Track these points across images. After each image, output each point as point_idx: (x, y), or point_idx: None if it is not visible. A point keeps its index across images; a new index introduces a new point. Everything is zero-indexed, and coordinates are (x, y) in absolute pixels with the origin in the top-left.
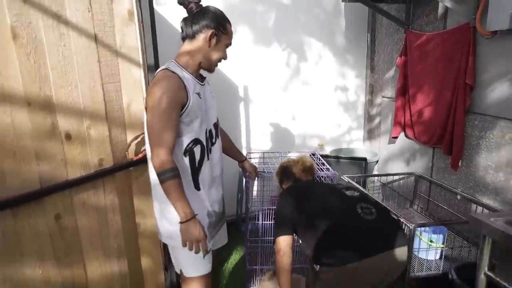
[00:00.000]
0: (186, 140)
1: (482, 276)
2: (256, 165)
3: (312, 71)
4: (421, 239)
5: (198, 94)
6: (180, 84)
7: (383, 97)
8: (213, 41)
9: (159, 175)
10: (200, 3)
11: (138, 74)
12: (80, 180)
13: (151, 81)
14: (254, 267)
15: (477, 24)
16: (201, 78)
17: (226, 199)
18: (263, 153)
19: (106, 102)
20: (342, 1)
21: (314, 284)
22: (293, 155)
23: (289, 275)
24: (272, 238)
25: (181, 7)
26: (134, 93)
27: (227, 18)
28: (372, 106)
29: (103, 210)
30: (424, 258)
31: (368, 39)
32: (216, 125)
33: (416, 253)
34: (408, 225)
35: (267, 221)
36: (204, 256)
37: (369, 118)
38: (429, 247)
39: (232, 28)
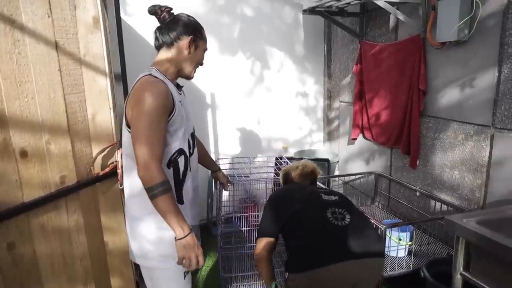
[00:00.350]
0: (170, 151)
1: (458, 276)
2: (226, 171)
3: (274, 78)
4: (390, 238)
5: (180, 102)
6: (168, 90)
7: (341, 101)
8: (193, 47)
9: (149, 189)
10: (172, 11)
11: (104, 83)
12: (39, 202)
13: (134, 87)
14: (229, 275)
15: (428, 35)
16: (178, 87)
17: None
18: (232, 158)
19: (68, 114)
20: (303, 13)
21: None
22: (260, 160)
23: (267, 267)
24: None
25: (150, 17)
26: (99, 103)
27: (200, 25)
28: (331, 110)
29: (66, 232)
30: (395, 256)
31: (325, 48)
32: (193, 135)
33: (387, 252)
34: (379, 226)
35: (245, 227)
36: (185, 276)
37: (328, 121)
38: (398, 245)
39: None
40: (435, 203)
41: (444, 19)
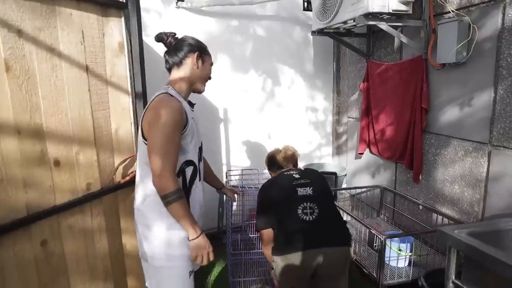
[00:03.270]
0: (180, 161)
1: (451, 285)
2: (236, 181)
3: (285, 94)
4: (391, 248)
5: (192, 118)
6: (182, 108)
7: (349, 117)
8: (200, 62)
9: (164, 197)
10: (176, 36)
11: (127, 101)
12: (68, 205)
13: (151, 104)
14: (238, 279)
15: (429, 57)
16: (191, 104)
17: (207, 212)
18: (242, 170)
19: (95, 128)
20: (312, 34)
21: (273, 271)
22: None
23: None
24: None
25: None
26: (122, 119)
27: (204, 43)
28: (339, 125)
29: (90, 233)
30: (395, 266)
31: (334, 66)
32: (201, 149)
33: (387, 261)
34: (379, 236)
35: (251, 234)
36: (190, 275)
37: (336, 136)
38: (398, 256)
39: (213, 57)
40: (436, 216)
41: (443, 42)
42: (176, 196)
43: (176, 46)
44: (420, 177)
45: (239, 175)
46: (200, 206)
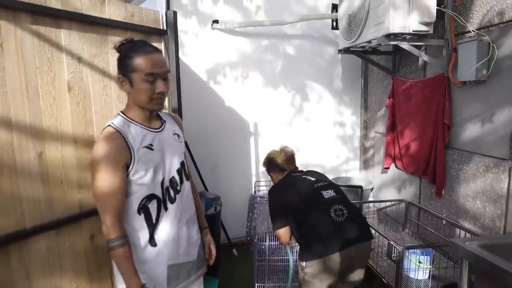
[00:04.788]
0: (138, 198)
1: None
2: (264, 191)
3: (313, 110)
4: (410, 260)
5: (149, 145)
6: (121, 145)
7: (376, 132)
8: (126, 85)
9: (107, 242)
10: (118, 47)
11: None
12: None
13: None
14: (262, 285)
15: (450, 75)
16: (159, 122)
17: (236, 222)
18: (270, 181)
19: None
20: (338, 53)
21: (304, 276)
22: None
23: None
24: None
25: (203, 56)
26: None
27: (137, 50)
28: (367, 140)
29: None
30: (414, 277)
31: (362, 83)
32: (179, 170)
33: (406, 273)
34: (397, 247)
35: (273, 242)
36: None
37: (364, 150)
38: (417, 268)
39: (243, 73)
40: (459, 231)
41: (464, 60)
42: (117, 244)
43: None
44: (443, 191)
45: (268, 186)
46: (178, 233)
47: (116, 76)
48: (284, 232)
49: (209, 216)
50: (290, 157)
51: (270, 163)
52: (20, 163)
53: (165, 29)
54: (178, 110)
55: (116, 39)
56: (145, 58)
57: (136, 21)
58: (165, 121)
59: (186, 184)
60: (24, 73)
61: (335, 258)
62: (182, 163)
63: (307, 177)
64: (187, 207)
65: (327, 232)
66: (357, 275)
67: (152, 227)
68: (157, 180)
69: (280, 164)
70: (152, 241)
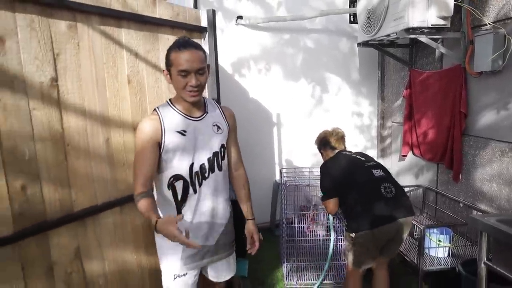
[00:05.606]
0: (167, 175)
1: (482, 265)
2: (289, 178)
3: (332, 101)
4: (430, 239)
5: (182, 131)
6: (155, 125)
7: (393, 121)
8: (168, 77)
9: (134, 197)
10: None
11: None
12: None
13: None
14: (292, 263)
15: (467, 66)
16: (201, 112)
17: (260, 208)
18: (295, 168)
19: None
20: (357, 46)
21: (352, 246)
22: (318, 171)
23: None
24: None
25: (237, 61)
26: None
27: (174, 47)
28: (384, 129)
29: None
30: (434, 255)
31: (379, 75)
32: (210, 160)
33: (426, 250)
34: (419, 226)
35: (302, 223)
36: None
37: (381, 139)
38: (437, 246)
39: (266, 66)
40: (476, 213)
41: (480, 52)
42: (138, 197)
43: None
44: (460, 176)
45: (292, 172)
46: (199, 214)
47: (164, 69)
48: (333, 202)
49: (236, 202)
50: (340, 138)
51: (322, 142)
52: (92, 147)
53: (205, 27)
54: (217, 101)
55: (164, 36)
56: (179, 55)
57: (181, 20)
58: (207, 112)
59: (218, 174)
60: (95, 68)
61: (383, 229)
62: (215, 153)
63: (357, 156)
64: (215, 194)
65: (377, 206)
66: (395, 248)
67: (178, 205)
68: (185, 163)
69: (331, 143)
70: (179, 212)
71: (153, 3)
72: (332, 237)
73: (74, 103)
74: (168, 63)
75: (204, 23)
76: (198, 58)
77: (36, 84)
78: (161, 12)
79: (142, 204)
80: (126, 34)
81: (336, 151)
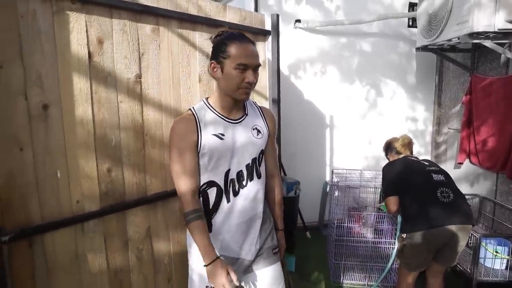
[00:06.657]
0: (201, 181)
1: None
2: (340, 178)
3: (386, 105)
4: (486, 249)
5: (220, 134)
6: (190, 127)
7: (449, 128)
8: (217, 71)
9: (184, 216)
10: (213, 38)
11: (266, 105)
12: None
13: None
14: (339, 262)
15: None
16: (240, 114)
17: (310, 207)
18: (346, 170)
19: None
20: (416, 51)
21: (403, 247)
22: (369, 174)
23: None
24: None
25: (295, 63)
26: None
27: (232, 38)
28: (439, 135)
29: None
30: (490, 266)
31: (436, 80)
32: (249, 166)
33: (482, 261)
34: (475, 234)
35: (350, 224)
36: None
37: (435, 145)
38: (494, 257)
39: (322, 69)
40: None
41: None
42: (191, 217)
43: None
44: None
45: (343, 173)
46: (228, 230)
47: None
48: (393, 201)
49: (290, 199)
50: (407, 144)
51: (388, 147)
52: (166, 138)
53: (269, 30)
54: (277, 101)
55: None
56: (240, 47)
57: (247, 23)
58: (247, 114)
59: (256, 182)
60: (172, 67)
61: (435, 232)
62: (254, 159)
63: (420, 161)
64: (252, 205)
65: (431, 209)
66: (451, 256)
67: (209, 214)
68: (221, 170)
69: (397, 148)
70: (209, 227)
71: (223, 8)
72: (397, 239)
73: (153, 97)
74: (223, 55)
75: (268, 26)
76: (257, 55)
77: (124, 80)
78: (230, 17)
79: (199, 228)
80: (199, 37)
81: (402, 155)
